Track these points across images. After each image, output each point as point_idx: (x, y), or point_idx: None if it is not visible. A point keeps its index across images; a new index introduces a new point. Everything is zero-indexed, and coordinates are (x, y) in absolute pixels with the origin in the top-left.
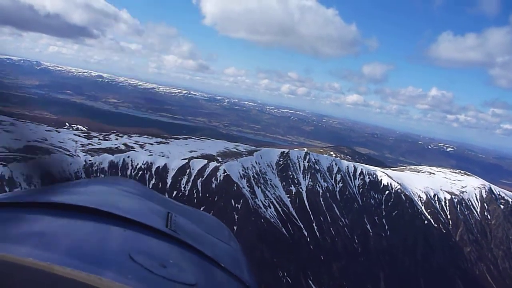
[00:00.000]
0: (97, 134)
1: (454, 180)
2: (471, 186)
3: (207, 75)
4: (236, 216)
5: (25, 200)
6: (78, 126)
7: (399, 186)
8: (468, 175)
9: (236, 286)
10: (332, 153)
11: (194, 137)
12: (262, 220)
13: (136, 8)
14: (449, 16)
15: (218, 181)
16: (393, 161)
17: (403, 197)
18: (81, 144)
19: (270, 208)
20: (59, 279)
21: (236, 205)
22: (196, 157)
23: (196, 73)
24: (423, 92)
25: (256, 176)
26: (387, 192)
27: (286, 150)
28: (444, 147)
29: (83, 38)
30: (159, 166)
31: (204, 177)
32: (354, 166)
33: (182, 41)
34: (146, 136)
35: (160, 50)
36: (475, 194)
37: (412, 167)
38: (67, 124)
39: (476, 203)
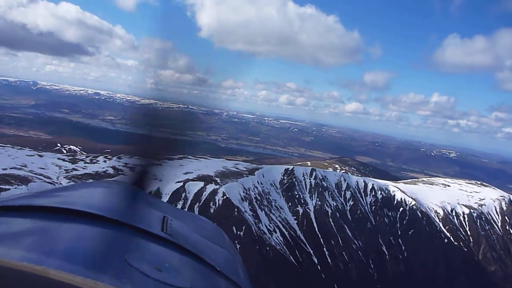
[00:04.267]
0: (84, 157)
1: (471, 192)
2: (490, 198)
3: (204, 88)
4: (238, 246)
5: (20, 204)
6: (71, 147)
7: (414, 202)
8: (485, 185)
9: None
10: (337, 165)
11: (189, 157)
12: (268, 248)
13: (130, 23)
14: (456, 18)
15: (217, 205)
16: (396, 169)
17: (419, 213)
18: (65, 170)
19: (276, 233)
20: (55, 283)
21: (238, 232)
22: (192, 179)
23: (193, 87)
24: (425, 98)
25: (259, 198)
26: (401, 209)
27: (290, 167)
28: (447, 153)
29: (79, 55)
30: (151, 191)
31: (202, 201)
32: (364, 181)
33: (178, 55)
34: (137, 157)
35: (157, 65)
36: (495, 206)
37: (425, 179)
38: (58, 145)
39: (497, 216)
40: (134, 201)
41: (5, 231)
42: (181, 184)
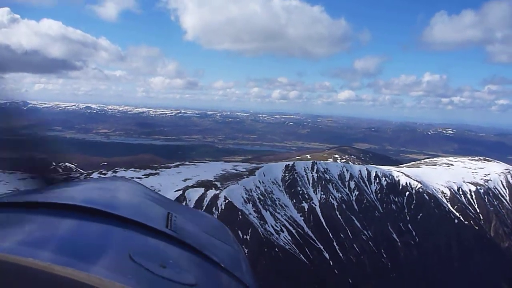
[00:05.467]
0: (78, 174)
1: (475, 169)
2: (495, 172)
3: (196, 91)
4: (246, 250)
5: (25, 200)
6: (66, 164)
7: (419, 185)
8: (488, 160)
9: (237, 287)
10: (336, 155)
11: (187, 163)
12: (277, 249)
13: (114, 34)
14: None
15: (220, 210)
16: (395, 152)
17: (426, 196)
18: None
19: (283, 232)
20: (60, 279)
21: (245, 236)
22: (192, 186)
23: (185, 91)
24: (417, 79)
25: (262, 198)
26: (407, 193)
27: (291, 163)
28: (444, 131)
29: (66, 71)
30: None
31: (203, 208)
32: (367, 169)
33: (166, 60)
34: (133, 169)
35: (146, 73)
36: (501, 180)
37: (427, 160)
38: (53, 163)
39: (504, 190)
40: (138, 197)
41: (10, 227)
42: (181, 192)
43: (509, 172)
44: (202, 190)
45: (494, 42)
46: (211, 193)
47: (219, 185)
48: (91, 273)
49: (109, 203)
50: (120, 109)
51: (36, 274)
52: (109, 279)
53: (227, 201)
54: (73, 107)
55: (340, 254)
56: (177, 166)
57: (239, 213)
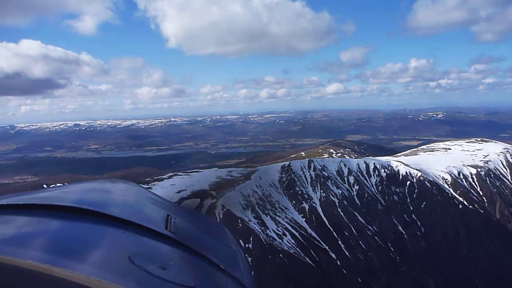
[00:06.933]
0: None
1: (473, 151)
2: (493, 152)
3: (184, 98)
4: (250, 259)
5: (23, 202)
6: (57, 185)
7: (419, 173)
8: (486, 141)
9: None
10: (331, 150)
11: (180, 173)
12: (281, 254)
13: (95, 47)
14: None
15: (218, 220)
16: (388, 141)
17: (428, 184)
18: None
19: (286, 236)
20: (59, 281)
21: (247, 244)
22: (187, 197)
23: (173, 99)
24: (404, 65)
25: (261, 202)
26: (408, 183)
27: (287, 163)
28: (434, 115)
29: (51, 90)
30: None
31: None
32: (365, 162)
33: (151, 70)
34: None
35: (132, 85)
36: (500, 160)
37: (424, 146)
38: (44, 186)
39: (505, 170)
40: (137, 198)
41: (9, 229)
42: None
43: (507, 151)
44: (198, 200)
45: (479, 22)
46: (207, 202)
47: (215, 194)
48: (90, 275)
49: (108, 204)
50: (109, 123)
51: (36, 276)
52: (108, 281)
53: (225, 209)
54: (62, 126)
55: (347, 253)
56: (170, 177)
57: (239, 221)
